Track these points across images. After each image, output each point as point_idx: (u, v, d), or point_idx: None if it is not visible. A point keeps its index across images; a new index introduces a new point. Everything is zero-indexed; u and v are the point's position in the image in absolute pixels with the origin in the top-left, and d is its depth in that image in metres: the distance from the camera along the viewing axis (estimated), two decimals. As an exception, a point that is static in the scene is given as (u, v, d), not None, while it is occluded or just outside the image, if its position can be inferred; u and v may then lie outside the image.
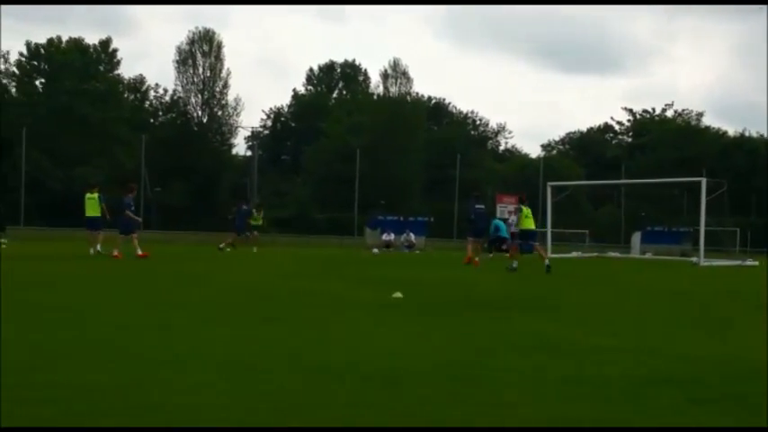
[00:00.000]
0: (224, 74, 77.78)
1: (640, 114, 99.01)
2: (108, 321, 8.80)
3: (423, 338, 8.10)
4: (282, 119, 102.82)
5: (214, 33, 77.62)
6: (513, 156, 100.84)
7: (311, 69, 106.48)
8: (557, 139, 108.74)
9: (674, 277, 22.69)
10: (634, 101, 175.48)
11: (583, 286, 17.20)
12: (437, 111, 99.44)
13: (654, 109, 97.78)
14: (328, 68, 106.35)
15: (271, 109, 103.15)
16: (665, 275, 23.52)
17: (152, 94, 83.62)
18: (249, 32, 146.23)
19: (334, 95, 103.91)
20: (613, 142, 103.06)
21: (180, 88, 78.09)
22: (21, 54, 76.02)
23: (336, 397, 5.19)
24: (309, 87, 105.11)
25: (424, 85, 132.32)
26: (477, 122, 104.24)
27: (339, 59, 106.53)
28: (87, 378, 5.55)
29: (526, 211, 24.22)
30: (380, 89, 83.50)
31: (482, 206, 26.97)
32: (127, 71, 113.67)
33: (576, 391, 5.54)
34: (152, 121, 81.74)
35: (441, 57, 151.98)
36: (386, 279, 16.69)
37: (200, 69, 77.35)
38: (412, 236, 45.68)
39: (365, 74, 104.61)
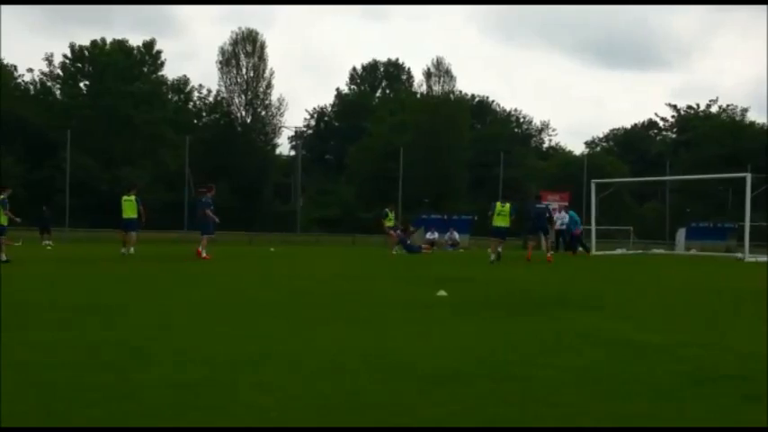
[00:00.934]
0: (267, 74, 78.19)
1: (684, 110, 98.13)
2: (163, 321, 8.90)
3: (471, 337, 8.12)
4: (326, 118, 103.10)
5: (257, 34, 78.09)
6: (557, 153, 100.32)
7: (354, 69, 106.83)
8: (600, 135, 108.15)
9: (719, 273, 22.47)
10: (678, 97, 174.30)
11: (627, 283, 17.07)
12: (481, 109, 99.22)
13: (698, 105, 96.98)
14: (372, 67, 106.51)
15: (314, 108, 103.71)
16: (710, 271, 23.29)
17: (196, 94, 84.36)
18: (292, 32, 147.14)
19: (378, 94, 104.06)
20: (657, 138, 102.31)
21: (223, 89, 78.66)
22: (65, 56, 76.93)
23: (400, 396, 5.25)
24: (353, 87, 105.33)
25: (468, 84, 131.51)
26: (521, 120, 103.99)
27: (382, 58, 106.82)
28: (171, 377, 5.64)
29: (500, 208, 25.01)
30: (424, 88, 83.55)
31: (543, 205, 27.63)
32: (171, 72, 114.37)
33: (629, 389, 5.54)
34: (196, 121, 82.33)
35: (484, 54, 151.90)
36: (431, 278, 16.67)
37: (244, 70, 77.78)
38: (456, 234, 45.59)
39: (408, 73, 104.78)
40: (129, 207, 26.66)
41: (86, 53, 76.60)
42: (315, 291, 13.46)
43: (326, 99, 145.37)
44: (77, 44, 77.27)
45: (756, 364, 6.70)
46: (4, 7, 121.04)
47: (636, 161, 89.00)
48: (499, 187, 63.73)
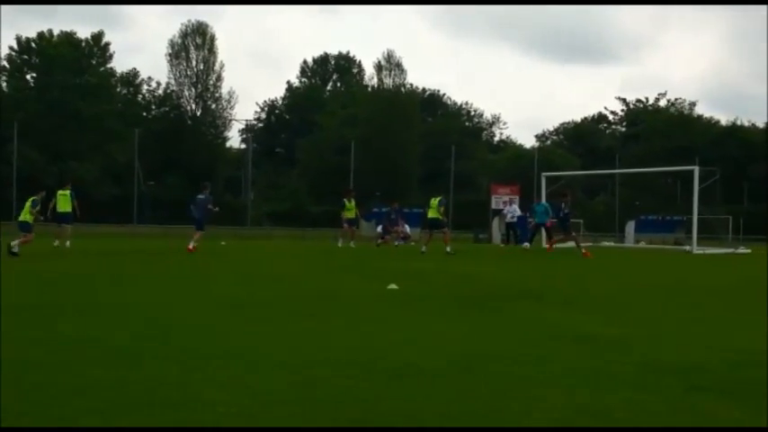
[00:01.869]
0: (217, 67, 77.62)
1: (634, 104, 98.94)
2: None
3: (427, 331, 8.13)
4: (277, 111, 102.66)
5: (207, 26, 77.42)
6: (508, 146, 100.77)
7: (305, 61, 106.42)
8: (551, 129, 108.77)
9: (668, 266, 22.73)
10: (628, 90, 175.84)
11: (582, 277, 17.21)
12: (432, 102, 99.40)
13: (647, 98, 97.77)
14: (322, 60, 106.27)
15: (265, 102, 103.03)
16: (660, 264, 23.56)
17: (145, 87, 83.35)
18: (242, 25, 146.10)
19: (329, 88, 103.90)
20: (607, 132, 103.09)
21: (173, 81, 77.90)
22: (11, 48, 75.75)
23: (359, 391, 5.25)
24: (304, 80, 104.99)
25: (419, 77, 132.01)
26: (472, 114, 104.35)
27: (333, 51, 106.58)
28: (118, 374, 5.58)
29: (433, 202, 26.85)
30: (375, 81, 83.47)
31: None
32: (119, 65, 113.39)
33: (586, 381, 5.58)
34: (145, 114, 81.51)
35: (434, 48, 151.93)
36: (383, 271, 16.68)
37: (194, 62, 77.15)
38: (407, 228, 45.59)
39: (359, 66, 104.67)
40: (64, 201, 27.38)
41: (33, 45, 75.58)
42: (269, 287, 13.40)
43: (277, 92, 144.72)
44: (24, 36, 76.29)
45: (703, 355, 6.78)
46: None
47: (586, 154, 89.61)
48: (451, 180, 63.88)
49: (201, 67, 77.19)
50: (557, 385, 5.45)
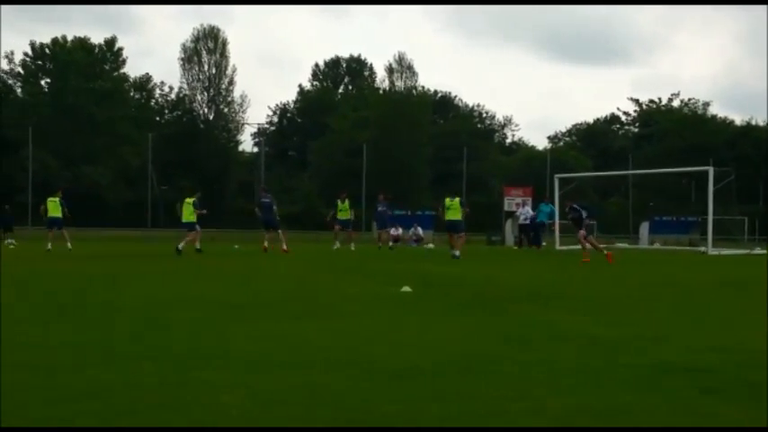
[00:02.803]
0: (229, 71, 78.14)
1: (647, 104, 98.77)
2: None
3: (433, 332, 8.09)
4: (288, 115, 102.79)
5: (219, 30, 77.96)
6: (520, 148, 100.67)
7: (317, 65, 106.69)
8: (563, 130, 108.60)
9: (682, 267, 22.62)
10: (640, 91, 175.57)
11: (592, 277, 17.13)
12: (443, 104, 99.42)
13: (660, 99, 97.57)
14: (334, 64, 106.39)
15: (277, 105, 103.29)
16: (675, 265, 23.44)
17: (158, 92, 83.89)
18: (254, 29, 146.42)
19: (340, 90, 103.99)
20: (620, 133, 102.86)
21: (186, 86, 78.48)
22: (25, 54, 76.24)
23: (360, 392, 5.21)
24: (315, 83, 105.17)
25: (430, 79, 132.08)
26: (484, 115, 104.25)
27: (345, 54, 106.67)
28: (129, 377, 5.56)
29: (452, 202, 25.93)
30: (386, 84, 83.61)
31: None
32: (132, 70, 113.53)
33: (593, 382, 5.53)
34: (158, 119, 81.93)
35: (445, 50, 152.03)
36: (395, 273, 16.65)
37: (206, 67, 77.65)
38: (420, 230, 45.65)
39: (371, 68, 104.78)
40: (54, 207, 29.55)
41: (47, 51, 75.93)
42: (278, 288, 13.38)
43: (289, 95, 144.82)
44: (38, 42, 76.67)
45: (713, 357, 6.71)
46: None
47: (598, 156, 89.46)
48: (463, 182, 63.84)
49: (214, 72, 77.70)
50: (557, 386, 5.39)
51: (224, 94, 78.11)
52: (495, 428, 4.50)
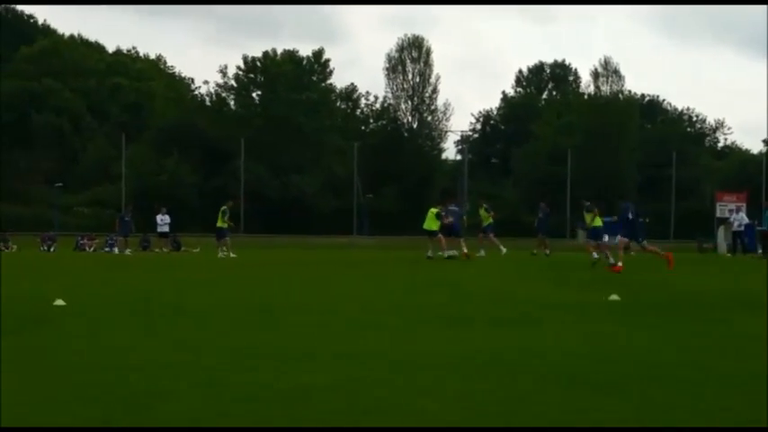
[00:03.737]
0: (433, 79, 78.68)
1: None
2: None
3: (640, 341, 8.00)
4: (492, 122, 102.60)
5: (423, 39, 78.62)
6: (733, 152, 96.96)
7: (520, 71, 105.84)
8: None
9: None
10: None
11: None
12: (651, 108, 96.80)
13: None
14: (538, 69, 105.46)
15: (480, 112, 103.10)
16: None
17: (363, 101, 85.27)
18: (457, 36, 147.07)
19: (544, 96, 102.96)
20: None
21: (390, 95, 79.48)
22: (238, 68, 79.00)
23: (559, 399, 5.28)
24: (519, 89, 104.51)
25: (637, 83, 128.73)
26: (694, 119, 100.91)
27: (548, 60, 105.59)
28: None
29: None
30: (591, 88, 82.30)
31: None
32: (338, 80, 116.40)
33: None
34: (363, 128, 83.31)
35: (653, 53, 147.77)
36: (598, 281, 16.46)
37: (410, 75, 78.47)
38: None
39: (575, 74, 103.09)
40: (220, 218, 32.39)
41: (258, 64, 78.57)
42: (481, 293, 13.46)
43: (492, 102, 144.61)
44: (250, 56, 79.44)
45: None
46: (179, 21, 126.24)
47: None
48: (672, 188, 62.17)
49: (417, 80, 78.43)
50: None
51: (428, 102, 78.77)
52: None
